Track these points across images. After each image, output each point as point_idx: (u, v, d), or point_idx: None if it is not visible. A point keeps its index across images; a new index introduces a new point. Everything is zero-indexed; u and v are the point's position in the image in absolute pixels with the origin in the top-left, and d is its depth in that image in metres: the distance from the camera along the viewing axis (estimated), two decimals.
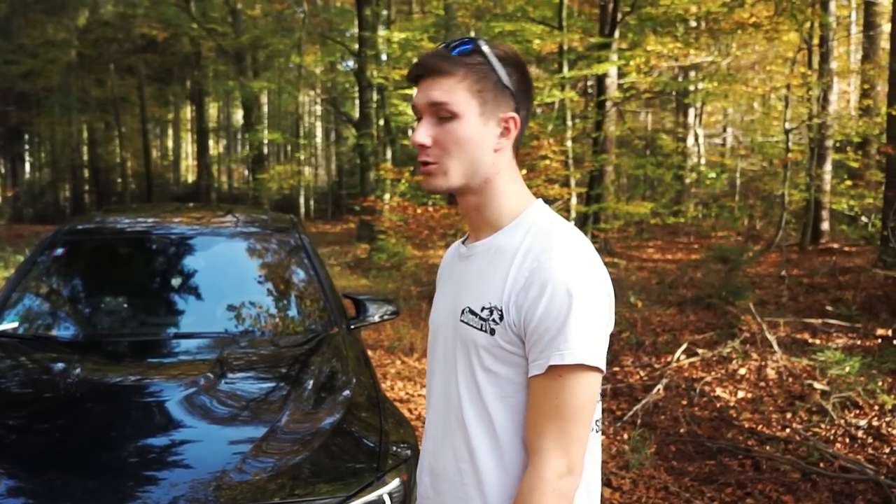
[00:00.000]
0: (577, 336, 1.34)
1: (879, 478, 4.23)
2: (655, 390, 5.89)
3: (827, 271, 10.91)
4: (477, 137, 1.44)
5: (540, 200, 1.55)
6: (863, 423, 5.14)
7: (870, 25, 15.46)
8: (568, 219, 1.73)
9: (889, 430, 5.04)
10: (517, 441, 1.44)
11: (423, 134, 1.43)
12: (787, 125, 14.50)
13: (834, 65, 15.10)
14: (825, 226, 15.06)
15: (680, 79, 20.02)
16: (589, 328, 1.36)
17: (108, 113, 32.27)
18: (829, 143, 14.89)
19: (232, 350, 3.23)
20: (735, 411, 5.52)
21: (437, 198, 15.03)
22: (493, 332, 1.42)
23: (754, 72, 20.14)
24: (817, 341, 7.15)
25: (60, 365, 3.05)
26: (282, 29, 22.50)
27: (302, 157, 30.25)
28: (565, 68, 13.20)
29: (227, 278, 3.99)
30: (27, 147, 38.13)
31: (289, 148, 32.87)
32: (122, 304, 3.90)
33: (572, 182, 13.10)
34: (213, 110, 39.55)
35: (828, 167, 14.90)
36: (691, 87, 18.98)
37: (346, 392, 2.98)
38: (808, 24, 13.86)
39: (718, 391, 5.97)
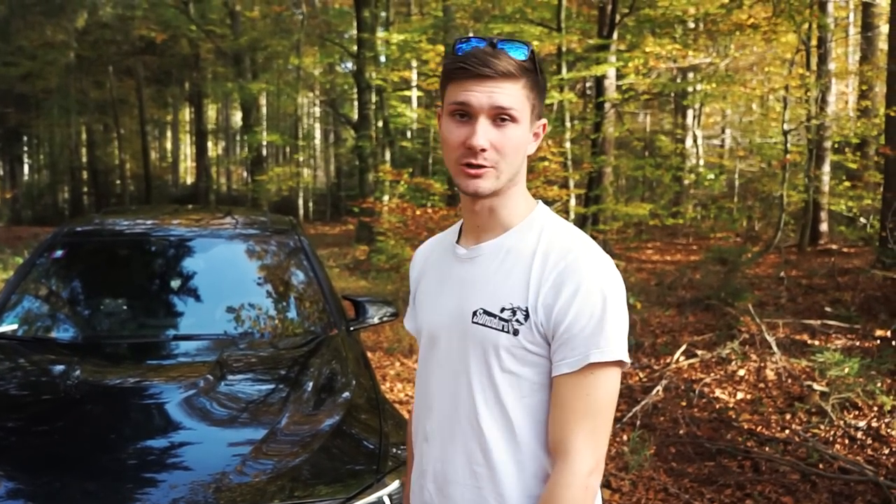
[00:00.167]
0: (613, 333, 1.39)
1: (879, 479, 4.23)
2: (655, 392, 5.89)
3: (826, 272, 10.92)
4: (525, 142, 1.47)
5: (541, 202, 1.56)
6: (862, 424, 5.14)
7: (868, 27, 15.47)
8: (567, 220, 1.74)
9: (888, 431, 5.04)
10: (534, 440, 1.45)
11: (484, 137, 1.41)
12: (786, 126, 14.50)
13: (832, 66, 15.11)
14: (824, 227, 15.06)
15: (678, 80, 20.02)
16: (621, 325, 1.41)
17: (106, 115, 32.24)
18: (828, 144, 14.89)
19: (231, 352, 3.22)
20: (734, 412, 5.52)
21: (436, 199, 15.05)
22: (516, 332, 1.43)
23: (753, 73, 20.16)
24: (816, 342, 7.16)
25: (60, 367, 3.05)
26: (280, 31, 22.50)
27: (301, 159, 30.27)
28: (564, 70, 13.19)
29: (227, 280, 3.99)
30: (26, 149, 38.09)
31: (287, 149, 32.87)
32: (122, 305, 3.90)
33: (571, 183, 13.10)
34: (211, 112, 39.55)
35: (826, 168, 14.91)
36: (690, 89, 18.98)
37: (346, 394, 2.98)
38: (806, 26, 13.86)
39: (718, 392, 5.97)
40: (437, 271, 1.62)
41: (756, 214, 18.60)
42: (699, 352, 6.90)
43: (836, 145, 15.53)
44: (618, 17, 13.73)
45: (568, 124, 13.52)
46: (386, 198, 15.81)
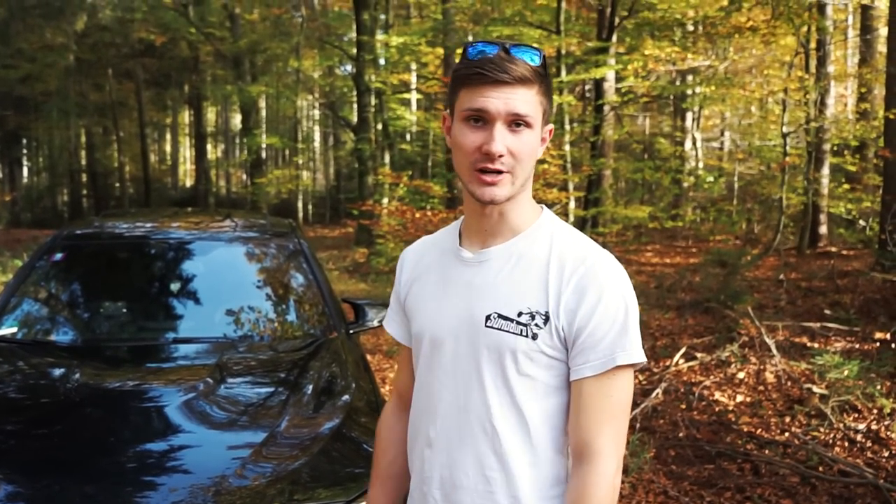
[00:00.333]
0: (634, 336, 1.45)
1: (879, 481, 4.23)
2: (654, 394, 5.89)
3: (825, 275, 10.92)
4: (537, 147, 1.48)
5: (546, 207, 1.58)
6: (862, 426, 5.14)
7: (867, 29, 15.49)
8: (566, 223, 1.75)
9: (888, 433, 5.04)
10: (549, 443, 1.47)
11: (501, 143, 1.41)
12: (785, 129, 14.52)
13: (831, 68, 15.12)
14: (823, 229, 15.06)
15: (677, 83, 20.02)
16: (637, 328, 1.46)
17: (106, 117, 32.25)
18: (827, 146, 14.90)
19: (231, 355, 3.22)
20: (734, 415, 5.52)
21: (436, 202, 15.06)
22: (535, 336, 1.44)
23: (752, 76, 20.18)
24: (816, 345, 7.15)
25: (59, 370, 3.05)
26: (280, 33, 22.52)
27: (300, 162, 30.29)
28: (563, 72, 13.21)
29: (226, 283, 3.98)
30: (25, 151, 38.08)
31: (287, 152, 32.91)
32: (122, 308, 3.90)
33: (570, 186, 13.12)
34: (211, 115, 39.55)
35: (825, 171, 14.92)
36: (689, 91, 19.00)
37: (346, 397, 2.97)
38: (805, 28, 13.88)
39: (717, 395, 5.97)
40: (437, 274, 1.60)
41: (755, 217, 18.61)
42: (699, 354, 6.91)
43: (835, 148, 15.55)
44: (617, 20, 13.75)
45: (567, 127, 13.54)
46: (385, 200, 15.83)
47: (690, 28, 17.58)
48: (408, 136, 25.09)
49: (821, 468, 4.55)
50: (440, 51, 17.30)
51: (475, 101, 1.42)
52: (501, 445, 1.47)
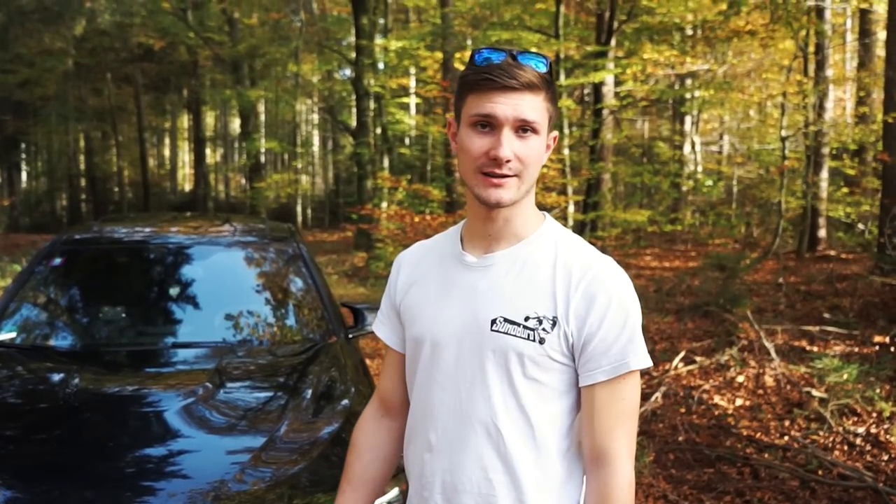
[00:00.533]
0: (642, 341, 1.49)
1: (878, 485, 4.23)
2: (654, 398, 5.89)
3: (824, 279, 10.92)
4: (543, 153, 1.50)
5: (548, 214, 1.60)
6: (861, 430, 5.14)
7: (865, 33, 15.51)
8: (565, 227, 1.76)
9: (887, 437, 5.04)
10: (553, 446, 1.49)
11: (509, 148, 1.43)
12: (784, 133, 14.54)
13: (830, 72, 15.14)
14: (822, 233, 15.07)
15: (676, 87, 20.07)
16: (641, 333, 1.50)
17: (104, 122, 32.27)
18: (826, 150, 14.92)
19: (230, 360, 3.22)
20: (733, 419, 5.52)
21: (435, 206, 15.06)
22: (542, 341, 1.46)
23: (750, 79, 20.23)
24: (815, 349, 7.16)
25: (58, 375, 3.04)
26: (279, 38, 22.53)
27: (299, 166, 30.29)
28: (562, 77, 13.22)
29: (225, 288, 3.98)
30: (24, 156, 38.07)
31: (286, 156, 32.92)
32: (121, 313, 3.90)
33: (569, 190, 13.12)
34: (210, 119, 39.55)
35: (824, 174, 14.93)
36: (688, 95, 19.03)
37: (345, 401, 2.97)
38: (803, 32, 13.91)
39: (717, 399, 5.96)
40: (437, 278, 1.60)
41: (754, 221, 18.62)
42: (698, 358, 6.90)
43: (833, 151, 15.56)
44: (615, 24, 13.77)
45: (566, 131, 13.54)
46: (384, 204, 15.82)
47: (689, 32, 17.60)
48: (407, 141, 25.11)
49: (820, 472, 4.55)
50: (439, 55, 17.31)
51: (483, 107, 1.43)
52: (506, 447, 1.47)
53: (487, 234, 1.54)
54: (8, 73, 25.46)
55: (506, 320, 1.47)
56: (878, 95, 15.04)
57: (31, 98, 28.32)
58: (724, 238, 17.70)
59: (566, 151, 13.11)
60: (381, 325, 1.76)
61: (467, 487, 1.50)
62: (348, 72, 21.08)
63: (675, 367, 6.68)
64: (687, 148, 22.65)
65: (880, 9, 14.09)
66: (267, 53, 23.19)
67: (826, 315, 8.52)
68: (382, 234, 13.77)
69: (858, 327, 7.83)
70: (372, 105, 17.65)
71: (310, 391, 2.96)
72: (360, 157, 17.25)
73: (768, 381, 6.27)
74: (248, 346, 3.50)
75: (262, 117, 31.72)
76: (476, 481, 1.49)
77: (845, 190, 15.19)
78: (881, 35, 13.77)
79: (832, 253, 14.32)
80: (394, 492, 2.41)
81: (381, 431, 1.74)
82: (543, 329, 1.45)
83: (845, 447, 4.96)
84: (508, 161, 1.43)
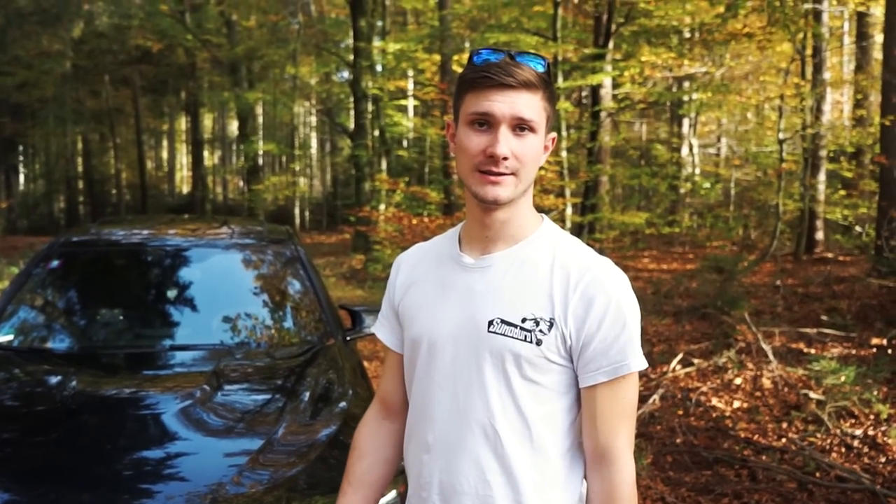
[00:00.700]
0: (639, 342, 1.50)
1: (876, 487, 4.23)
2: (651, 400, 5.89)
3: (821, 281, 10.93)
4: (540, 153, 1.50)
5: (546, 216, 1.60)
6: (858, 432, 5.15)
7: (862, 36, 15.55)
8: (563, 229, 1.78)
9: (885, 439, 5.04)
10: (550, 446, 1.49)
11: (506, 146, 1.43)
12: (781, 135, 14.55)
13: (827, 75, 15.17)
14: (819, 235, 15.09)
15: (674, 89, 20.09)
16: (639, 334, 1.51)
17: (102, 124, 32.26)
18: (823, 153, 14.94)
19: (228, 362, 3.22)
20: (731, 421, 5.53)
21: (433, 208, 15.07)
22: (539, 342, 1.46)
23: (748, 82, 20.25)
24: (812, 351, 7.17)
25: (56, 377, 3.04)
26: (277, 40, 22.55)
27: (297, 168, 30.28)
28: (560, 79, 13.25)
29: (223, 290, 3.98)
30: (21, 158, 38.07)
31: (284, 159, 32.90)
32: (118, 316, 3.90)
33: (567, 192, 13.14)
34: (208, 121, 39.56)
35: (822, 177, 14.95)
36: (685, 98, 19.03)
37: (343, 404, 2.97)
38: (800, 35, 13.93)
39: (714, 401, 5.97)
40: (435, 279, 1.60)
41: (752, 223, 18.62)
42: (696, 360, 6.91)
43: (831, 154, 15.58)
44: (613, 27, 13.79)
45: (564, 133, 13.56)
46: (382, 207, 15.82)
47: (687, 35, 17.63)
48: (405, 143, 25.10)
49: (818, 474, 4.55)
50: (437, 57, 17.31)
51: (480, 105, 1.44)
52: (503, 448, 1.48)
53: (485, 235, 1.54)
54: (6, 76, 25.45)
55: (503, 321, 1.47)
56: (875, 98, 15.05)
57: (28, 100, 28.32)
58: (722, 240, 17.72)
59: (564, 154, 13.12)
60: (381, 327, 1.76)
61: (465, 488, 1.51)
62: (346, 74, 21.09)
63: (673, 370, 6.68)
64: (685, 150, 22.67)
65: (877, 12, 14.11)
66: (265, 56, 23.21)
67: (823, 317, 8.53)
68: (380, 236, 13.78)
69: (856, 329, 7.83)
70: (370, 107, 17.64)
71: (307, 394, 2.95)
72: (358, 160, 17.26)
73: (766, 383, 6.27)
74: (246, 349, 3.50)
75: (260, 119, 31.73)
76: (473, 482, 1.50)
77: (843, 192, 15.20)
78: (878, 38, 13.79)
79: (830, 255, 14.34)
80: (391, 494, 2.40)
81: (383, 433, 1.74)
82: (540, 330, 1.45)
83: (843, 449, 4.96)
84: (505, 159, 1.43)
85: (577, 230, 13.16)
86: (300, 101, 26.72)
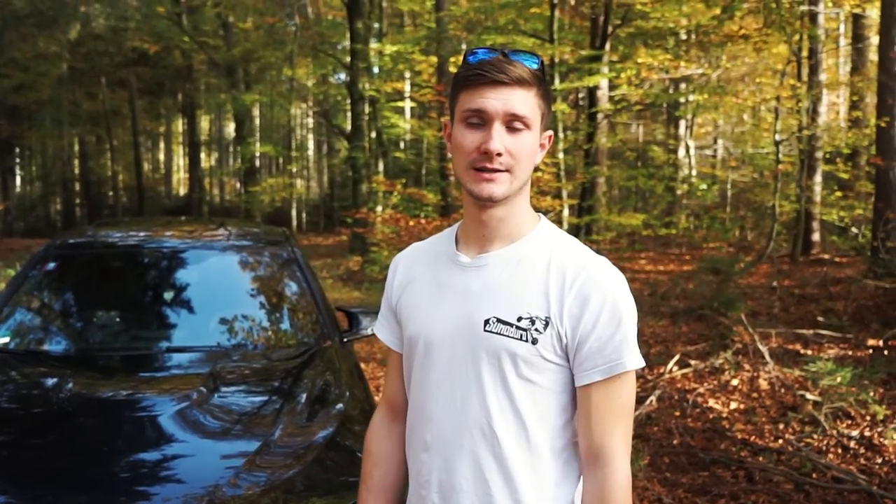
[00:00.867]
0: (635, 341, 1.49)
1: (872, 488, 4.24)
2: (648, 402, 5.89)
3: (818, 282, 10.95)
4: (535, 150, 1.50)
5: (542, 215, 1.60)
6: (855, 433, 5.15)
7: (858, 38, 15.58)
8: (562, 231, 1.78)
9: (881, 440, 5.05)
10: (545, 445, 1.49)
11: (500, 142, 1.43)
12: (777, 137, 14.57)
13: (823, 77, 15.20)
14: (816, 237, 15.12)
15: (671, 91, 20.11)
16: (636, 333, 1.50)
17: (99, 126, 32.23)
18: (819, 154, 14.97)
19: (224, 364, 3.21)
20: (728, 422, 5.53)
21: (430, 209, 15.07)
22: (535, 341, 1.46)
23: (744, 84, 20.28)
24: (809, 352, 7.18)
25: (52, 380, 3.03)
26: (273, 42, 22.53)
27: (294, 170, 30.30)
28: (556, 81, 13.25)
29: (220, 292, 3.97)
30: (18, 160, 38.01)
31: (281, 160, 32.90)
32: (115, 318, 3.89)
33: (564, 194, 13.14)
34: (204, 123, 39.54)
35: (818, 178, 14.99)
36: (682, 99, 19.07)
37: (340, 405, 2.97)
38: (797, 37, 13.95)
39: (711, 402, 5.97)
40: (431, 279, 1.60)
41: (748, 224, 18.66)
42: (692, 362, 6.91)
43: (827, 156, 15.61)
44: (610, 29, 13.81)
45: (561, 135, 13.57)
46: (379, 208, 15.82)
47: (683, 36, 17.66)
48: (402, 145, 25.12)
49: (814, 475, 4.55)
50: (434, 59, 17.32)
51: (474, 102, 1.44)
52: (501, 448, 1.48)
53: (481, 233, 1.54)
54: (2, 78, 25.44)
55: (499, 321, 1.47)
56: (871, 100, 15.10)
57: (25, 102, 28.30)
58: (719, 242, 17.73)
59: (561, 155, 13.13)
60: (381, 327, 1.77)
61: (464, 487, 1.51)
62: (343, 76, 21.09)
63: (670, 371, 6.69)
64: (681, 152, 22.70)
65: (873, 14, 14.15)
66: (262, 57, 23.18)
67: (820, 318, 8.54)
68: (377, 237, 13.78)
69: (852, 331, 7.85)
70: (367, 109, 17.64)
71: (304, 395, 2.95)
72: (355, 161, 17.26)
73: (762, 384, 6.28)
74: (243, 351, 3.50)
75: (257, 121, 31.73)
76: (472, 481, 1.50)
77: (839, 194, 15.23)
78: (874, 40, 13.80)
79: (826, 256, 14.36)
80: None
81: (394, 437, 1.74)
82: (536, 329, 1.45)
83: (839, 450, 4.97)
84: (499, 155, 1.43)
85: (573, 232, 13.16)
86: (297, 102, 26.73)
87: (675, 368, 6.77)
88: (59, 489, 2.30)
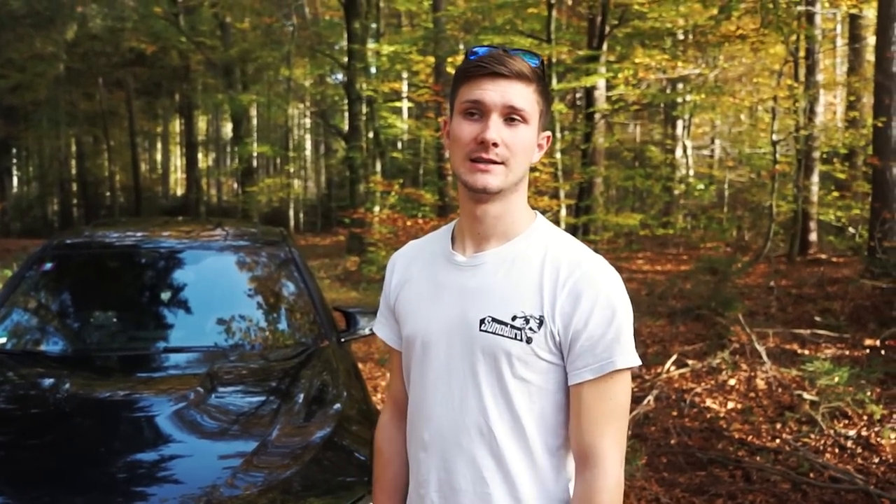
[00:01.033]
0: (630, 339, 1.46)
1: (869, 487, 4.25)
2: (646, 401, 5.90)
3: (815, 282, 10.96)
4: (533, 146, 1.50)
5: (539, 213, 1.59)
6: (852, 433, 5.16)
7: (855, 38, 15.59)
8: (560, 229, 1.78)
9: (878, 439, 5.06)
10: (542, 443, 1.49)
11: (496, 132, 1.43)
12: (775, 137, 14.59)
13: (820, 77, 15.20)
14: (813, 237, 15.12)
15: (668, 91, 20.12)
16: (632, 332, 1.48)
17: (96, 126, 32.17)
18: (816, 154, 14.98)
19: (222, 364, 3.21)
20: (725, 422, 5.54)
21: (427, 209, 15.07)
22: (529, 340, 1.45)
23: (741, 84, 20.29)
24: (806, 352, 7.19)
25: (49, 380, 3.03)
26: (271, 42, 22.50)
27: (291, 170, 30.24)
28: (554, 81, 13.25)
29: (217, 292, 3.97)
30: (15, 161, 37.95)
31: (278, 161, 32.87)
32: (112, 318, 3.89)
33: (561, 194, 13.14)
34: (202, 123, 39.49)
35: (815, 178, 15.00)
36: (679, 100, 19.08)
37: (337, 405, 2.97)
38: (794, 37, 13.96)
39: (708, 402, 5.98)
40: (428, 277, 1.60)
41: (745, 224, 18.67)
42: (690, 361, 6.92)
43: (824, 156, 15.62)
44: (607, 29, 13.82)
45: (558, 135, 13.57)
46: (377, 208, 15.81)
47: (680, 36, 17.67)
48: (399, 145, 25.10)
49: (812, 474, 4.56)
50: (431, 59, 17.30)
51: (472, 93, 1.45)
52: (499, 447, 1.48)
53: (477, 231, 1.54)
54: None
55: (494, 320, 1.47)
56: (868, 100, 15.13)
57: (22, 102, 28.26)
58: (716, 242, 17.74)
59: (558, 155, 13.13)
60: (381, 326, 1.76)
61: (462, 486, 1.51)
62: (340, 76, 21.05)
63: (667, 371, 6.69)
64: (678, 152, 22.71)
65: (870, 14, 14.16)
66: (259, 58, 23.17)
67: (817, 318, 8.55)
68: (375, 237, 13.77)
69: (849, 330, 7.85)
70: (364, 109, 17.63)
71: (302, 395, 2.95)
72: (353, 161, 17.25)
73: (760, 384, 6.29)
74: (240, 351, 3.50)
75: (255, 121, 31.70)
76: (471, 480, 1.50)
77: (836, 194, 15.24)
78: (871, 40, 13.81)
79: (823, 256, 14.37)
80: None
81: (401, 435, 1.73)
82: (530, 328, 1.45)
83: (836, 450, 4.97)
84: (495, 145, 1.43)
85: (571, 232, 13.06)
86: (294, 103, 26.71)
87: (672, 368, 6.77)
88: (57, 490, 2.30)
